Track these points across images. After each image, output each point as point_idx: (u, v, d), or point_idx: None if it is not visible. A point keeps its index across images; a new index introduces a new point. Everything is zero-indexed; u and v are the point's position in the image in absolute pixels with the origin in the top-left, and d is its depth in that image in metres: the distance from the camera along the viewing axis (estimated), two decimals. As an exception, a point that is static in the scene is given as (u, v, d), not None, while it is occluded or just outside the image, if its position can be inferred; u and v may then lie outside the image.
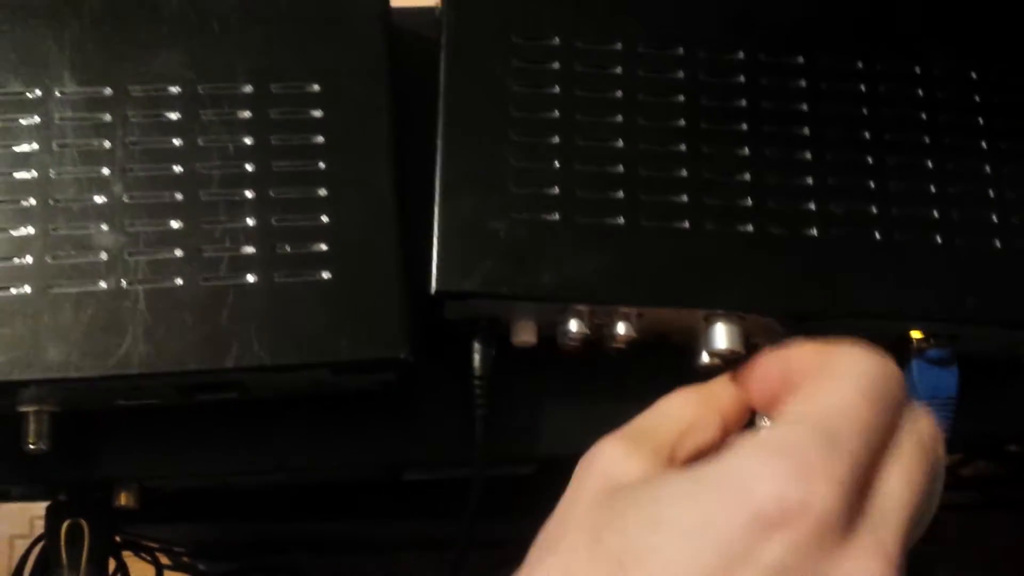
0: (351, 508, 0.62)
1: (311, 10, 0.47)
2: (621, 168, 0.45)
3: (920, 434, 0.38)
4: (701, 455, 0.40)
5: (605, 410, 0.47)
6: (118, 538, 0.59)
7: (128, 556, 0.63)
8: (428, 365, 0.45)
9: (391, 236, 0.44)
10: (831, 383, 0.37)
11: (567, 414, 0.48)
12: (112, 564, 0.56)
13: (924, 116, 0.47)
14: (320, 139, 0.45)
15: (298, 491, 0.61)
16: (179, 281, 0.43)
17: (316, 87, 0.46)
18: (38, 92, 0.44)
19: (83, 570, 0.49)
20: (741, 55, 0.47)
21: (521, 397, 0.48)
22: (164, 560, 0.69)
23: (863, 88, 0.47)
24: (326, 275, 0.44)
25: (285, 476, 0.50)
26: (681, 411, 0.41)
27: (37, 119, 0.44)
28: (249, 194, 0.44)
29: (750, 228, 0.44)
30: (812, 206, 0.45)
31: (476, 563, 0.49)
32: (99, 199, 0.43)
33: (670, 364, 0.45)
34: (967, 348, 0.46)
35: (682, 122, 0.46)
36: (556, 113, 0.46)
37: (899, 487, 0.36)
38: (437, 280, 0.43)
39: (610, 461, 0.38)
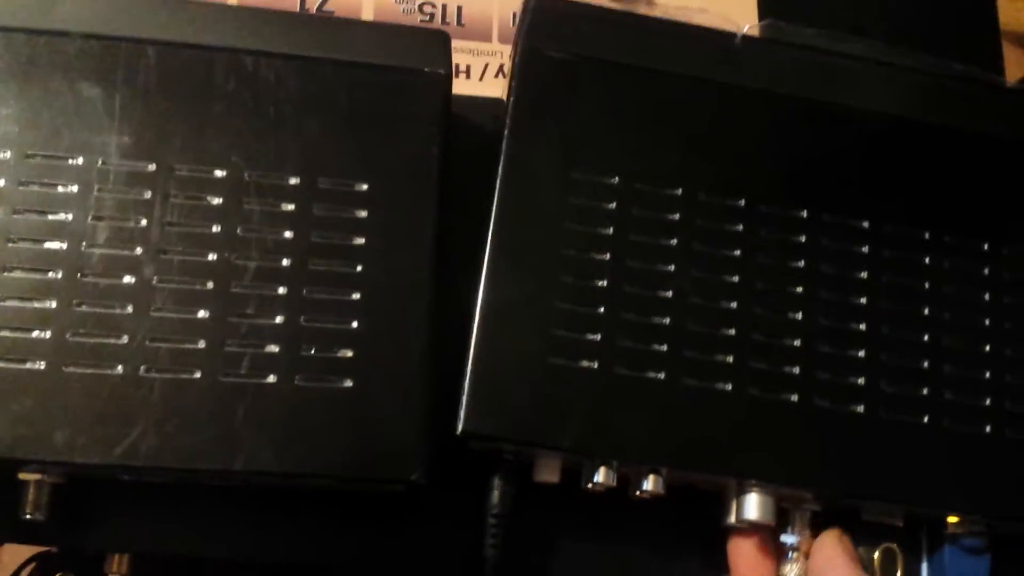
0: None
1: (370, 106, 0.45)
2: (667, 320, 0.43)
3: None
4: None
5: (623, 554, 0.47)
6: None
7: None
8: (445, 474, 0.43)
9: (420, 348, 0.43)
10: None
11: (582, 554, 0.46)
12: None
13: (987, 297, 0.45)
14: (361, 240, 0.44)
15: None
16: (198, 374, 0.41)
17: (364, 186, 0.44)
18: (80, 160, 0.43)
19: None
20: (805, 213, 0.45)
21: (536, 530, 0.46)
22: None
23: (927, 261, 0.45)
24: (348, 383, 0.42)
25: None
26: None
27: (76, 188, 0.42)
28: (281, 290, 0.43)
29: (795, 398, 0.43)
30: (861, 381, 0.43)
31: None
32: (128, 279, 0.42)
33: (695, 513, 0.44)
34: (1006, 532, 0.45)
35: (736, 278, 0.44)
36: (607, 256, 0.44)
37: None
38: (464, 420, 0.41)
39: None
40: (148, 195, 0.43)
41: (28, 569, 0.54)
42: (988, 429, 0.43)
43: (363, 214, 0.44)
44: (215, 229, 0.43)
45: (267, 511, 0.45)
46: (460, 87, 0.48)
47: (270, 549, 0.45)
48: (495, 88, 0.53)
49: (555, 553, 0.46)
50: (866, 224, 0.46)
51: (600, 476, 0.42)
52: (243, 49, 0.45)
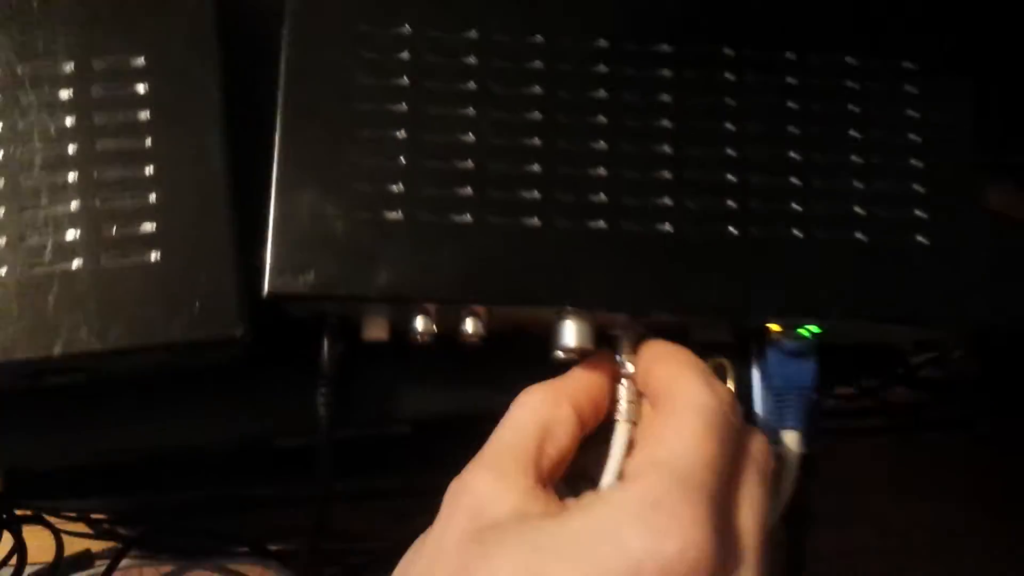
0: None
1: (133, -21, 0.45)
2: (470, 164, 0.43)
3: (756, 459, 0.39)
4: (565, 460, 0.40)
5: (460, 394, 0.49)
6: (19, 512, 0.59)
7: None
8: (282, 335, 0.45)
9: (223, 213, 0.44)
10: (677, 422, 0.38)
11: (421, 395, 0.49)
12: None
13: (791, 104, 0.45)
14: (146, 115, 0.44)
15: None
16: (3, 271, 0.42)
17: (140, 60, 0.44)
18: None
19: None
20: (604, 43, 0.45)
21: (374, 380, 0.48)
22: (83, 528, 0.69)
23: (729, 77, 0.45)
24: (155, 256, 0.43)
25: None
26: (535, 417, 0.40)
27: None
28: (72, 177, 0.43)
29: (603, 224, 0.43)
30: (668, 201, 0.43)
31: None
32: (-82, 189, 0.43)
33: (529, 351, 0.45)
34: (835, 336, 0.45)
35: (538, 115, 0.44)
36: (404, 106, 0.44)
37: (753, 521, 0.37)
38: (269, 282, 0.42)
39: (478, 497, 0.37)
40: (-76, 104, 0.43)
41: None
42: (798, 233, 0.44)
43: (143, 88, 0.44)
44: (-5, 127, 0.43)
45: (110, 404, 0.47)
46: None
47: (113, 441, 0.48)
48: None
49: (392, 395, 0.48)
50: (665, 47, 0.45)
51: (419, 324, 0.43)
52: (-6, -61, 0.45)
